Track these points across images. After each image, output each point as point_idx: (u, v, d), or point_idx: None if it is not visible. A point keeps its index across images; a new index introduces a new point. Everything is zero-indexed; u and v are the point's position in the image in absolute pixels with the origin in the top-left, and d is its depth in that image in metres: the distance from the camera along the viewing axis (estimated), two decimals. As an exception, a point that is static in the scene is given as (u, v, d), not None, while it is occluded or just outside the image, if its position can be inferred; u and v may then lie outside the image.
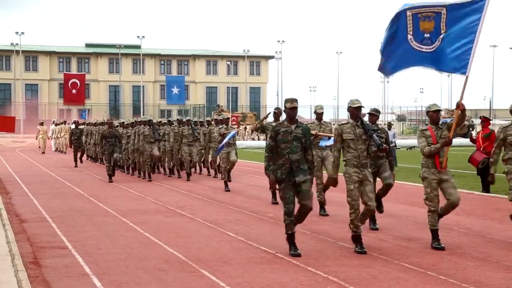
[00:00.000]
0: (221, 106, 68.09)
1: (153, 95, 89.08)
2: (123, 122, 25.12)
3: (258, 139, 50.41)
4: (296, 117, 9.17)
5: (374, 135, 9.24)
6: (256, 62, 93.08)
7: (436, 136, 9.50)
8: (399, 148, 32.10)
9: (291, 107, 9.05)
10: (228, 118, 18.27)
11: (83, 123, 38.03)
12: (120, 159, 22.44)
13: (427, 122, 9.95)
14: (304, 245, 9.73)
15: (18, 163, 30.03)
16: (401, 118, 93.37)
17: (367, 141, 9.24)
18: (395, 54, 10.17)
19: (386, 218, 12.16)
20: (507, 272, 8.06)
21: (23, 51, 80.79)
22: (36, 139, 42.04)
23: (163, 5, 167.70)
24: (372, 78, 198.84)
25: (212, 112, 62.94)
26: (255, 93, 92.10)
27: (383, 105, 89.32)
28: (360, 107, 9.26)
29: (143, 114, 74.10)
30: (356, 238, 9.27)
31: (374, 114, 11.23)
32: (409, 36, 10.00)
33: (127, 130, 22.97)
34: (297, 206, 9.07)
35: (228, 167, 17.56)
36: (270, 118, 15.62)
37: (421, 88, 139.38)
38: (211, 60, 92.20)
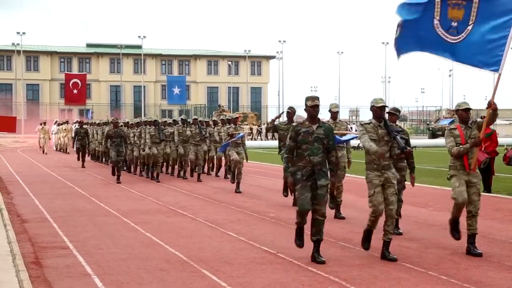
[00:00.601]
0: (222, 106, 68.14)
1: (154, 95, 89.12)
2: (128, 122, 24.71)
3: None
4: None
5: (397, 136, 8.76)
6: (257, 62, 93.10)
7: (465, 136, 9.02)
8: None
9: (313, 105, 8.59)
10: (237, 117, 17.61)
11: (86, 123, 37.65)
12: (125, 159, 22.06)
13: (453, 122, 9.28)
14: (305, 245, 9.73)
15: (19, 163, 30.03)
16: (402, 118, 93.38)
17: (390, 142, 8.74)
18: (416, 35, 9.55)
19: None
20: (509, 272, 8.06)
21: (24, 51, 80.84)
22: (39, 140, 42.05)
23: (164, 5, 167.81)
24: (373, 78, 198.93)
25: (213, 112, 62.98)
26: (256, 93, 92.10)
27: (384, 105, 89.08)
28: (384, 107, 8.81)
29: (144, 114, 74.17)
30: (366, 236, 8.98)
31: (394, 114, 10.48)
32: (435, 21, 9.40)
33: (132, 130, 22.56)
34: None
35: (233, 166, 17.30)
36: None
37: (422, 88, 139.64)
38: (212, 60, 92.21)
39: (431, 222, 12.09)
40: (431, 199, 14.83)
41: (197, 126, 20.67)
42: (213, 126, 22.03)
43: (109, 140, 20.54)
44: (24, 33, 77.37)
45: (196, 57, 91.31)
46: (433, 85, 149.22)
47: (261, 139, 54.44)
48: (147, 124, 21.22)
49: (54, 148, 41.47)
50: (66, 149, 38.92)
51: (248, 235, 10.52)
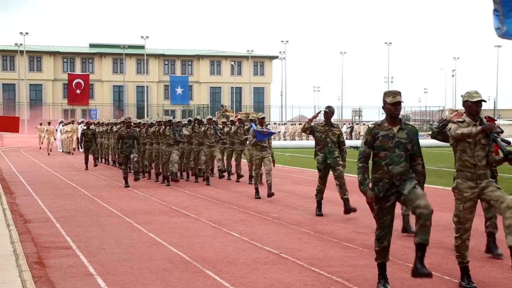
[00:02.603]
0: (225, 106, 68.09)
1: (157, 95, 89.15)
2: (140, 122, 23.07)
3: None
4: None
5: (498, 139, 7.27)
6: (260, 62, 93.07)
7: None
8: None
9: (394, 103, 7.03)
10: (264, 117, 16.23)
11: (92, 123, 36.41)
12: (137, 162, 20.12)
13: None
14: (308, 245, 9.74)
15: (22, 163, 30.07)
16: (405, 118, 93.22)
17: (487, 146, 7.28)
18: None
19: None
20: (512, 273, 8.05)
21: (27, 51, 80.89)
22: (41, 139, 42.01)
23: (167, 5, 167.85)
24: (376, 78, 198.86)
25: (216, 112, 62.96)
26: (259, 93, 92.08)
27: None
28: (481, 102, 7.21)
29: (147, 115, 74.24)
30: (463, 270, 7.41)
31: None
32: None
33: (145, 130, 21.31)
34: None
35: (260, 173, 15.92)
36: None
37: (425, 88, 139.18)
38: (215, 60, 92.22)
39: (434, 222, 11.95)
40: (434, 200, 14.80)
41: (212, 127, 19.53)
42: (230, 126, 21.00)
43: (120, 141, 19.44)
44: (27, 33, 77.37)
45: (199, 57, 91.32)
46: (436, 85, 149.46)
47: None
48: (161, 124, 19.87)
49: (60, 150, 40.92)
50: (72, 149, 38.25)
51: (251, 235, 10.52)
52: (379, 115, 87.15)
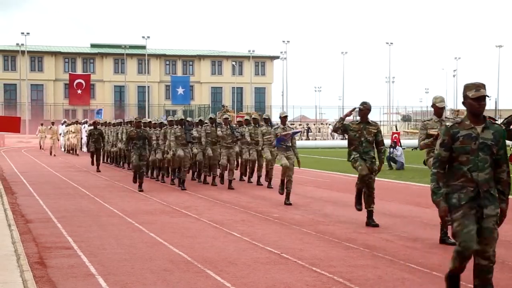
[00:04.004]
0: (226, 106, 68.07)
1: (158, 95, 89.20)
2: (150, 122, 21.70)
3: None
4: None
5: None
6: (261, 63, 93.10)
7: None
8: (404, 148, 32.04)
9: (477, 97, 5.96)
10: (286, 115, 15.17)
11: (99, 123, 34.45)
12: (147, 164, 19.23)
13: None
14: (309, 245, 9.74)
15: (23, 163, 30.08)
16: (406, 119, 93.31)
17: None
18: None
19: (392, 218, 12.14)
20: (513, 273, 8.04)
21: (29, 52, 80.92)
22: (41, 139, 41.99)
23: (168, 5, 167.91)
24: (377, 78, 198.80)
25: (217, 112, 62.99)
26: (260, 93, 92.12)
27: (388, 105, 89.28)
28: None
29: (148, 115, 74.23)
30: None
31: None
32: None
33: (155, 131, 20.44)
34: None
35: (283, 174, 14.56)
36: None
37: (426, 88, 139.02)
38: (216, 61, 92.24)
39: (435, 222, 12.02)
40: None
41: (228, 127, 18.59)
42: (252, 125, 19.31)
43: (130, 142, 18.33)
44: (28, 33, 77.45)
45: (200, 57, 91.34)
46: (437, 85, 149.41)
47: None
48: (172, 124, 18.77)
49: (63, 149, 40.49)
50: (76, 150, 37.56)
51: (252, 236, 10.52)
52: (380, 115, 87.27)
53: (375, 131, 11.42)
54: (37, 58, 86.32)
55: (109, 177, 21.59)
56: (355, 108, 11.80)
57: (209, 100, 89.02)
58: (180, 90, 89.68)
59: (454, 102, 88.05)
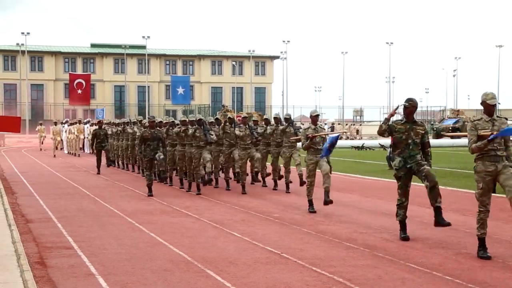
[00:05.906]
0: (226, 106, 68.06)
1: (158, 95, 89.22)
2: (161, 121, 19.96)
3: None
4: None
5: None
6: (261, 62, 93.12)
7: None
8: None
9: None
10: (318, 115, 13.81)
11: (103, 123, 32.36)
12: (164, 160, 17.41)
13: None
14: (309, 245, 9.74)
15: (23, 163, 30.07)
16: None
17: None
18: None
19: (392, 218, 12.12)
20: (513, 273, 8.04)
21: (29, 51, 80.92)
22: (41, 139, 41.88)
23: (168, 5, 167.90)
24: (378, 78, 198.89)
25: (217, 112, 62.97)
26: (260, 93, 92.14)
27: (388, 105, 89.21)
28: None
29: (149, 115, 74.18)
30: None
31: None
32: None
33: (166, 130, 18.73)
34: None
35: (323, 181, 13.43)
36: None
37: (426, 88, 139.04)
38: (216, 60, 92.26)
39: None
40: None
41: (247, 127, 17.63)
42: (274, 124, 18.07)
43: (143, 143, 16.96)
44: (28, 33, 77.44)
45: (200, 57, 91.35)
46: (438, 85, 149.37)
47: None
48: (187, 124, 17.36)
49: (66, 151, 39.28)
50: (78, 151, 36.68)
51: (252, 235, 10.52)
52: (380, 115, 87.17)
53: (422, 132, 10.22)
54: (37, 58, 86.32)
55: (109, 177, 21.59)
56: (398, 106, 10.69)
57: (209, 100, 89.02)
58: (180, 90, 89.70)
59: (454, 102, 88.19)
